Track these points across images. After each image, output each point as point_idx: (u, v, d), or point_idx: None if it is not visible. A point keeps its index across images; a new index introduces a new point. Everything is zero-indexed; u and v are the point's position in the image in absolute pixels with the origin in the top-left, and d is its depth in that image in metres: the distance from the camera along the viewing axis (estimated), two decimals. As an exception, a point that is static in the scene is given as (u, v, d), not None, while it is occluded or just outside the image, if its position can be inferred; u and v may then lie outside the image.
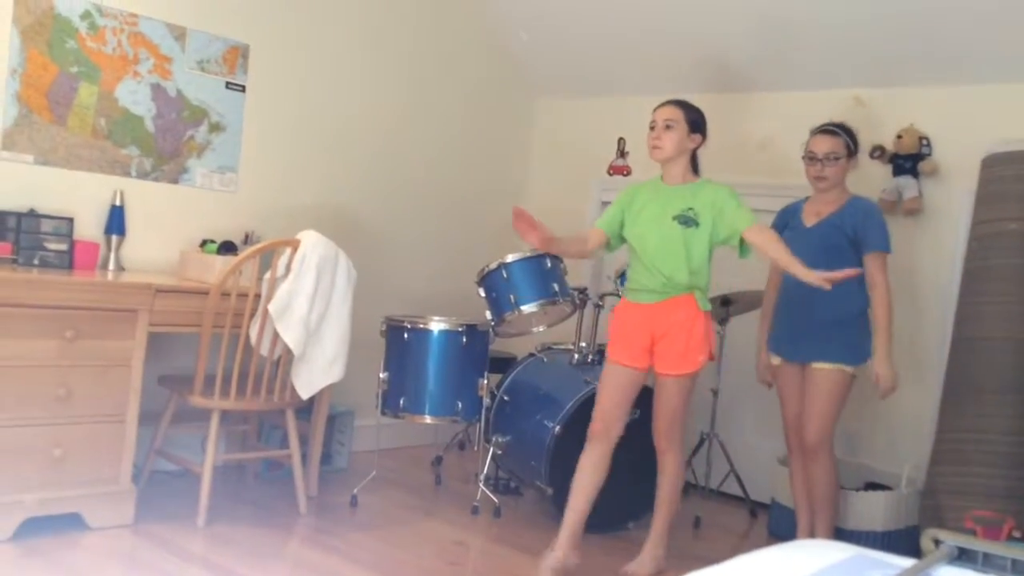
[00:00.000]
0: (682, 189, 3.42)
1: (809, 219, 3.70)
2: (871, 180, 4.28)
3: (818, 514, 3.69)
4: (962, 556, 1.70)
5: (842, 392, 3.60)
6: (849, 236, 3.57)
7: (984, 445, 3.66)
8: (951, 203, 4.18)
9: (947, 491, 3.72)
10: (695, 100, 3.54)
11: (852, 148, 3.69)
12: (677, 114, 3.43)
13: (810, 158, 3.68)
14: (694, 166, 3.49)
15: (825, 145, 3.65)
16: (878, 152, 4.30)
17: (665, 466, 3.52)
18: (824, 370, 3.57)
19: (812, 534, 3.72)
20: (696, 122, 3.45)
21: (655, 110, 3.50)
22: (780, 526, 4.16)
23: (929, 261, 4.24)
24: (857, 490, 4.02)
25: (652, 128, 3.47)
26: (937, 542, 1.71)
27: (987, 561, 1.68)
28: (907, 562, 1.66)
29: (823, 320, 3.56)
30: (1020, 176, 3.70)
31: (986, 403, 3.66)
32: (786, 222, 3.77)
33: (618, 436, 3.45)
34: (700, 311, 3.37)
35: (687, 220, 3.34)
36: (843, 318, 3.56)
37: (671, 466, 3.51)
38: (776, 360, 3.76)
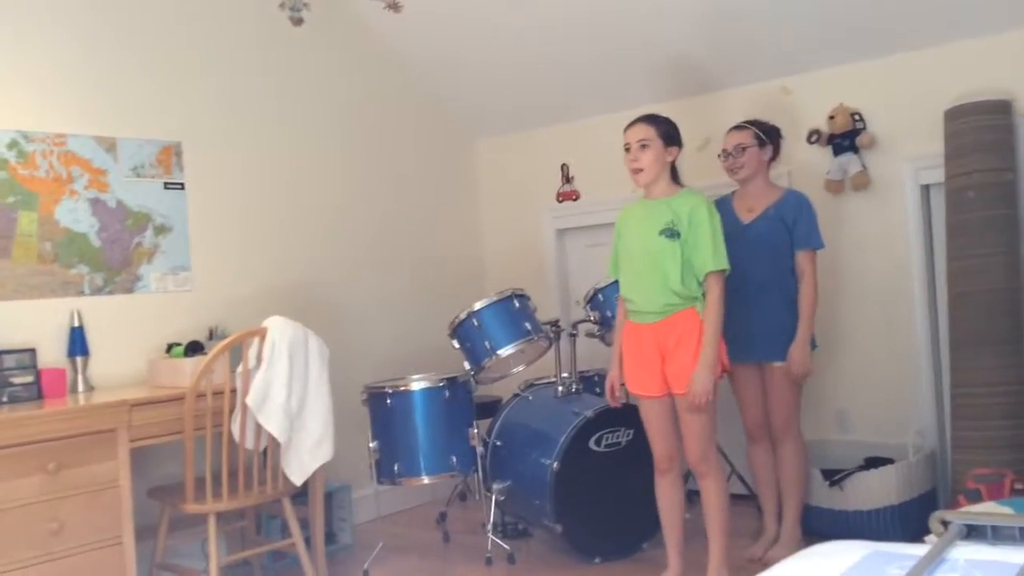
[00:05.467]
0: (665, 202, 3.37)
1: (744, 215, 3.82)
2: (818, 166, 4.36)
3: (787, 496, 3.84)
4: (972, 532, 1.72)
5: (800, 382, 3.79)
6: (788, 227, 3.72)
7: (981, 398, 3.70)
8: (894, 170, 4.24)
9: (956, 446, 3.76)
10: (633, 114, 3.55)
11: (763, 138, 3.83)
12: (649, 132, 3.37)
13: (724, 154, 3.87)
14: (675, 175, 3.45)
15: (733, 138, 3.85)
16: (815, 136, 4.37)
17: (708, 491, 3.41)
18: (783, 367, 3.72)
19: (779, 517, 3.88)
20: (670, 134, 3.40)
21: (626, 130, 3.43)
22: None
23: (883, 228, 4.29)
24: (860, 469, 4.02)
25: (627, 150, 3.40)
26: (945, 523, 1.72)
27: (996, 533, 1.69)
28: (921, 549, 1.66)
29: (768, 321, 3.70)
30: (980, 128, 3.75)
31: (979, 356, 3.71)
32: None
33: (681, 462, 3.49)
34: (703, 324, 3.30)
35: (672, 233, 3.30)
36: (790, 316, 3.72)
37: (713, 491, 3.40)
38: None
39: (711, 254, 3.27)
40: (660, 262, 3.29)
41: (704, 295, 3.31)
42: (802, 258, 3.71)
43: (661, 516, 3.55)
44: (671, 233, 3.30)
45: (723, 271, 3.30)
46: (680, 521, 3.53)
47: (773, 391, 3.77)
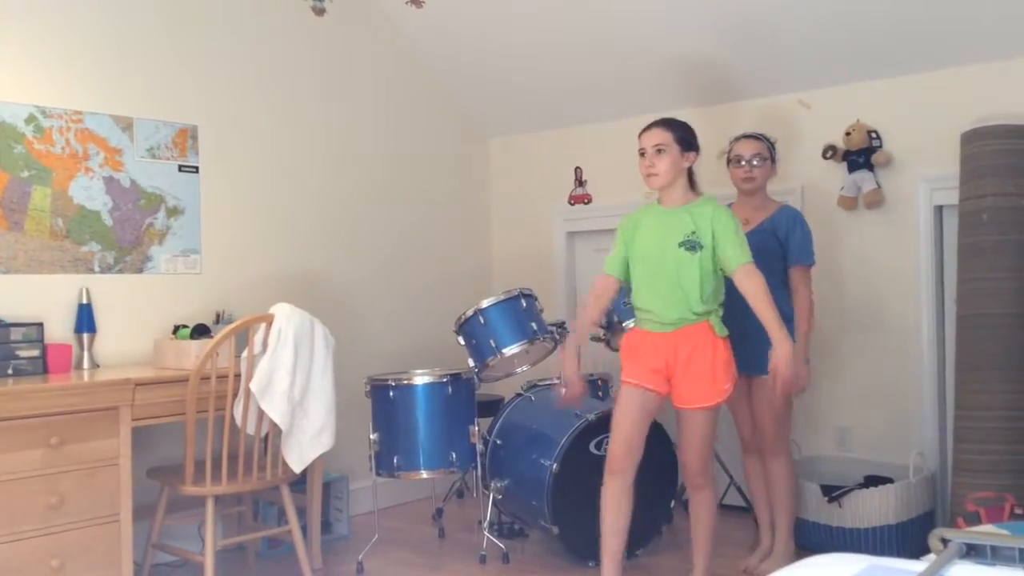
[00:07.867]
0: (683, 212, 3.24)
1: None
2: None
3: (779, 512, 3.79)
4: (971, 551, 1.71)
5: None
6: (780, 241, 3.71)
7: (984, 422, 3.69)
8: (909, 189, 4.24)
9: (957, 469, 3.74)
10: (649, 119, 3.49)
11: (772, 154, 3.85)
12: (666, 136, 3.23)
13: (737, 161, 3.81)
14: (691, 182, 3.33)
15: (751, 147, 3.81)
16: (830, 151, 4.36)
17: (703, 504, 3.36)
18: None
19: (773, 528, 3.85)
20: (687, 139, 3.27)
21: (641, 135, 3.30)
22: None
23: (894, 246, 4.29)
24: (859, 486, 4.01)
25: (642, 155, 3.26)
26: (944, 541, 1.72)
27: (996, 553, 1.69)
28: (919, 565, 1.66)
29: (757, 333, 3.50)
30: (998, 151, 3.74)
31: (984, 379, 3.70)
32: None
33: (637, 464, 3.29)
34: (718, 337, 3.24)
35: (693, 245, 3.18)
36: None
37: (708, 503, 3.35)
38: None
39: (738, 255, 3.18)
40: (680, 276, 3.19)
41: (721, 306, 3.28)
42: (795, 273, 3.69)
43: (604, 525, 3.30)
44: (691, 245, 3.18)
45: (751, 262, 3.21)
46: (625, 531, 3.31)
47: (764, 405, 3.69)
